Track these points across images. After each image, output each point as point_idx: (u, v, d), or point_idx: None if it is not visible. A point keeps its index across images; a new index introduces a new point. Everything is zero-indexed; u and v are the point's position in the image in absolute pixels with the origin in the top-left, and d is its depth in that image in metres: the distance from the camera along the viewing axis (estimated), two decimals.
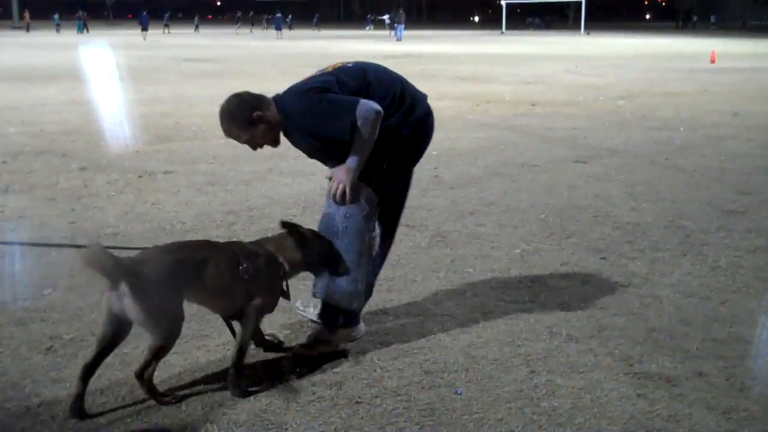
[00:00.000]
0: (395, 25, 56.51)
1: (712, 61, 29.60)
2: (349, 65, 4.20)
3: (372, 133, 3.93)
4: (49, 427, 3.52)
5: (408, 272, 5.59)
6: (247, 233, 6.32)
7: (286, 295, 4.00)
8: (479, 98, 16.97)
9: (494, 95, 17.66)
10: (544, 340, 4.48)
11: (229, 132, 4.07)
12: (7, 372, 4.02)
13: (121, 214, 7.07)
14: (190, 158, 9.95)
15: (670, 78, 22.77)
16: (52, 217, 6.98)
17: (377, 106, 3.91)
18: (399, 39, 52.83)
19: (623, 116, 14.36)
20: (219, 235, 6.13)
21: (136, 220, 6.87)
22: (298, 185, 8.23)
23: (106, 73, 20.68)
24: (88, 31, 61.39)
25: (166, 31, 65.42)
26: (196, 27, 74.00)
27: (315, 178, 8.45)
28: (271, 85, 14.51)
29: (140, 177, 8.75)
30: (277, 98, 4.11)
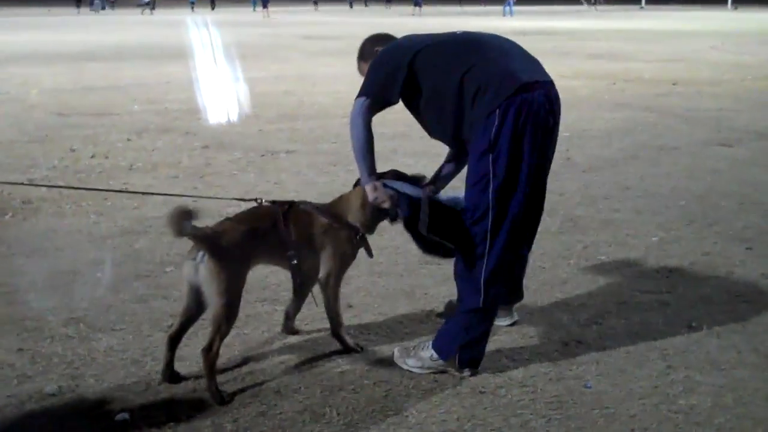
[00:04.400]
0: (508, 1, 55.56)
1: None
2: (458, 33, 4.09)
3: (353, 138, 3.88)
4: (170, 404, 3.65)
5: (536, 258, 5.51)
6: None
7: (369, 254, 4.11)
8: (616, 77, 16.61)
9: (632, 73, 17.25)
10: (683, 333, 4.35)
11: (358, 68, 4.18)
12: (128, 349, 4.18)
13: (243, 193, 7.22)
14: (313, 137, 10.10)
15: None
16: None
17: (361, 107, 3.84)
18: (510, 14, 52.10)
19: None
20: None
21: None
22: (422, 166, 8.24)
23: (229, 52, 21.18)
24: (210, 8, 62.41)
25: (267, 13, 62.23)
26: (316, 3, 74.70)
27: (440, 159, 8.44)
28: None
29: (263, 156, 8.94)
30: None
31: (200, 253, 3.66)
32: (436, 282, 5.11)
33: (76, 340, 4.28)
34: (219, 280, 3.63)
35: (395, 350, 4.08)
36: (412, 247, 4.29)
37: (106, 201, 6.99)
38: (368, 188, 3.95)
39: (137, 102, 13.07)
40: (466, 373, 3.90)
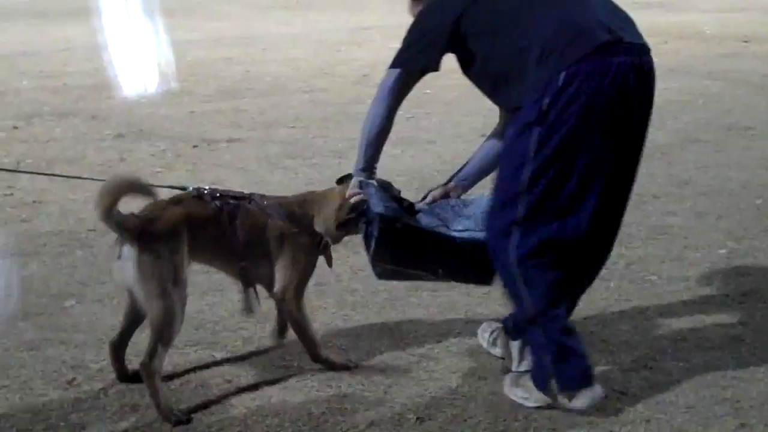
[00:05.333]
0: None
1: None
2: None
3: (368, 118, 4.08)
4: None
5: (605, 307, 5.51)
6: None
7: (328, 263, 4.50)
8: (668, 33, 16.61)
9: (689, 28, 17.28)
10: (761, 380, 4.36)
11: (409, 9, 4.25)
12: (13, 414, 4.15)
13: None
14: (264, 121, 10.06)
15: None
16: (77, 203, 7.15)
17: (390, 83, 4.00)
18: None
19: None
20: None
21: None
22: (409, 158, 8.26)
23: (150, 6, 21.13)
24: None
25: None
26: None
27: (434, 147, 8.46)
28: (374, 17, 14.52)
29: (195, 147, 8.91)
30: None
31: (125, 249, 3.96)
32: (429, 314, 5.10)
33: None
34: (153, 280, 3.90)
35: (506, 378, 4.25)
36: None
37: None
38: (354, 182, 4.15)
39: (25, 76, 13.00)
40: (577, 403, 3.99)
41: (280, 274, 4.31)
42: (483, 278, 4.31)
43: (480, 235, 4.07)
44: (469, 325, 4.94)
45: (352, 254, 5.55)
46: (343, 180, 4.37)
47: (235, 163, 8.35)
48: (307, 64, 13.22)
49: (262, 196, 4.39)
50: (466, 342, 4.78)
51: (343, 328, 5.00)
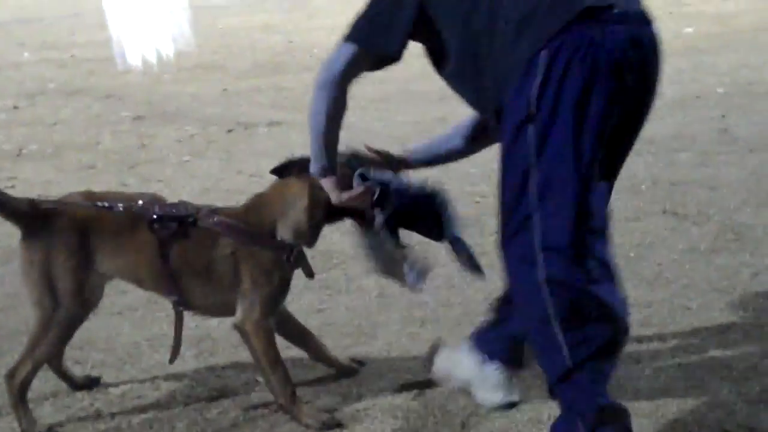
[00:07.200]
0: None
1: None
2: None
3: (314, 105, 4.08)
4: None
5: (676, 292, 5.49)
6: None
7: (308, 274, 4.45)
8: None
9: None
10: None
11: None
12: None
13: (201, 193, 7.23)
14: (309, 101, 10.03)
15: None
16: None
17: (340, 61, 3.91)
18: None
19: None
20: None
21: (223, 201, 6.99)
22: None
23: None
24: None
25: None
26: None
27: None
28: None
29: (230, 131, 8.95)
30: None
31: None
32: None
33: None
34: (33, 281, 4.06)
35: None
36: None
37: None
38: (327, 183, 4.10)
39: (26, 48, 13.12)
40: None
41: (241, 303, 4.26)
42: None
43: None
44: None
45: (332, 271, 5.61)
46: (283, 172, 4.34)
47: (277, 150, 8.32)
48: None
49: (213, 211, 4.31)
50: None
51: (410, 348, 5.00)
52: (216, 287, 4.25)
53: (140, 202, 4.21)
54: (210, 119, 9.38)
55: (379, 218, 4.14)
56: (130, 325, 5.16)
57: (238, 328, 4.25)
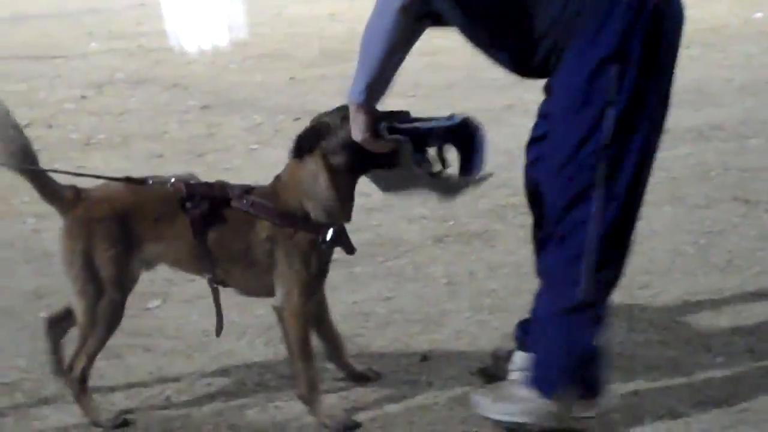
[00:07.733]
0: None
1: None
2: None
3: (370, 25, 4.07)
4: None
5: (747, 279, 5.44)
6: (468, 211, 6.42)
7: (348, 249, 4.34)
8: None
9: None
10: None
11: None
12: None
13: (268, 181, 7.22)
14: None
15: None
16: None
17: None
18: None
19: None
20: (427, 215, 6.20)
21: None
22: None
23: None
24: None
25: None
26: None
27: None
28: None
29: (297, 120, 8.92)
30: None
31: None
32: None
33: None
34: (75, 270, 4.04)
35: (474, 397, 4.14)
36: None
37: None
38: (357, 117, 4.03)
39: (94, 38, 13.16)
40: (591, 410, 3.97)
41: (279, 285, 4.22)
42: None
43: None
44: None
45: (487, 248, 5.54)
46: (300, 152, 4.25)
47: None
48: None
49: (246, 191, 4.29)
50: None
51: (479, 336, 4.99)
52: (253, 269, 4.24)
53: (173, 180, 4.18)
54: (277, 108, 9.39)
55: (415, 166, 4.11)
56: (199, 314, 5.16)
57: (277, 310, 4.23)
